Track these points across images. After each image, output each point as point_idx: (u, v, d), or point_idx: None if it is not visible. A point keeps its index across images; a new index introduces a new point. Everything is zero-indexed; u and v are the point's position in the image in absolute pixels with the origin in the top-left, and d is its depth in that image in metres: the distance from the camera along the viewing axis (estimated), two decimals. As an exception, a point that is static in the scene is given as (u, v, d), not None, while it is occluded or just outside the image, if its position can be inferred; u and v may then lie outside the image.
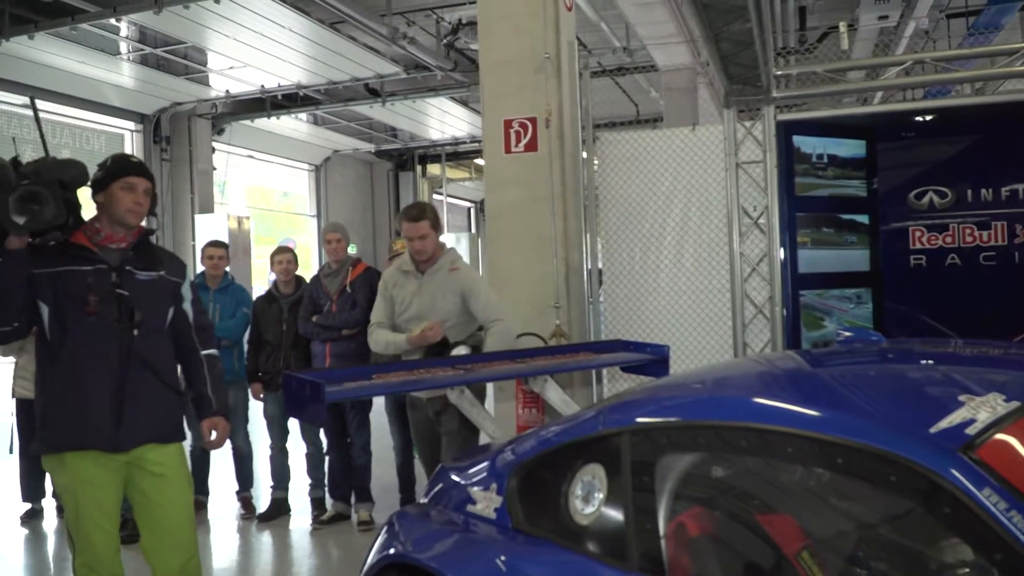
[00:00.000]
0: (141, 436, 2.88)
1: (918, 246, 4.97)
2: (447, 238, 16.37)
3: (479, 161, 17.60)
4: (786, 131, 4.71)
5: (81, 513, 2.84)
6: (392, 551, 2.62)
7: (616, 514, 2.20)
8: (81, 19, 8.39)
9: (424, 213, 3.95)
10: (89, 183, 2.89)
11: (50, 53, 9.21)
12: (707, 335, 4.93)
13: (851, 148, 4.94)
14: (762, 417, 2.05)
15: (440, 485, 2.91)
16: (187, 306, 3.08)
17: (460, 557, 2.43)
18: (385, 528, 2.80)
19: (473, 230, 20.21)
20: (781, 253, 4.76)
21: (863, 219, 5.02)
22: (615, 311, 5.19)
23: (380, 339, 4.04)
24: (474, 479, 2.72)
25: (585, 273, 4.98)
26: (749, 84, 4.38)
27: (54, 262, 2.77)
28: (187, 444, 3.18)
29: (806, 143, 4.79)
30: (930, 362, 2.47)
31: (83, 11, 8.41)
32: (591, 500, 2.29)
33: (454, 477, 2.86)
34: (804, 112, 4.88)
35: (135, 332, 2.84)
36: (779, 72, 4.36)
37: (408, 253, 4.07)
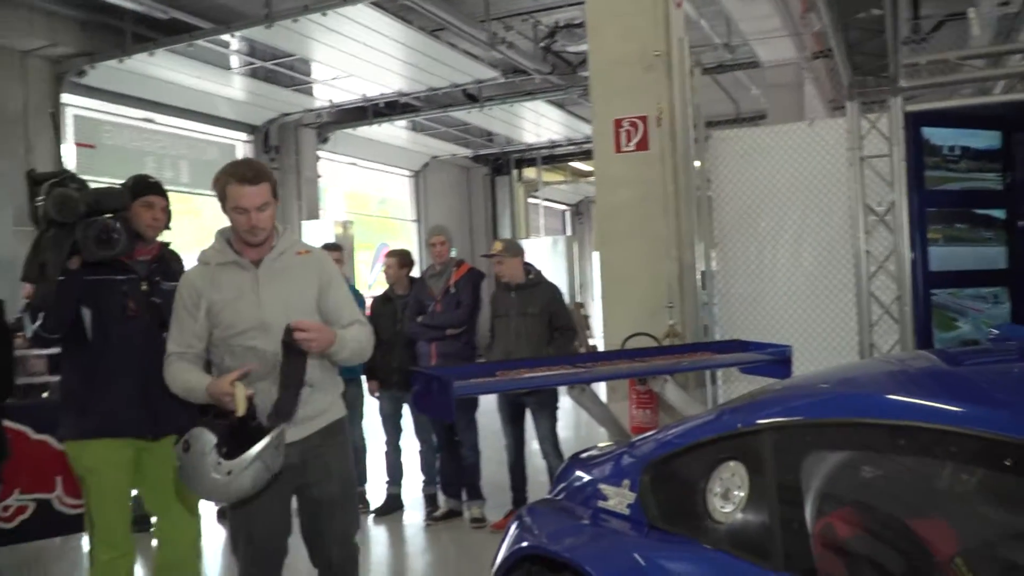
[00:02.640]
0: (170, 427, 3.16)
1: (1059, 242, 4.72)
2: (543, 241, 16.44)
3: (575, 164, 17.58)
4: (914, 123, 4.54)
5: (104, 493, 3.14)
6: (526, 544, 2.65)
7: (759, 512, 2.17)
8: (198, 35, 8.81)
9: (263, 174, 2.74)
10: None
11: (168, 69, 9.69)
12: (829, 336, 4.80)
13: (985, 139, 4.71)
14: (915, 414, 1.99)
15: (568, 481, 2.93)
16: None
17: (597, 550, 2.45)
18: (515, 522, 2.84)
19: (569, 232, 20.20)
20: (910, 250, 4.59)
21: (999, 214, 4.78)
22: (729, 311, 5.11)
23: (179, 378, 2.75)
24: (605, 475, 2.73)
25: (698, 273, 4.92)
26: (873, 75, 4.25)
27: (92, 271, 3.08)
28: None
29: (936, 135, 4.60)
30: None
31: (199, 28, 8.83)
32: (730, 497, 2.27)
33: (583, 473, 2.87)
34: (933, 103, 4.69)
35: (164, 335, 3.09)
36: (907, 61, 4.21)
37: (223, 237, 2.85)
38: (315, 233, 11.49)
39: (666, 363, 3.91)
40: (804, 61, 9.28)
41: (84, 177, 3.20)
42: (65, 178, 3.05)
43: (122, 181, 3.31)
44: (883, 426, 2.02)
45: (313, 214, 12.61)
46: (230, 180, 2.70)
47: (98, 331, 3.13)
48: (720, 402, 4.91)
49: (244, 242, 2.79)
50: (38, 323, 3.00)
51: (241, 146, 12.09)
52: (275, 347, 2.67)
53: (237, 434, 2.51)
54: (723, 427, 2.37)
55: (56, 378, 5.35)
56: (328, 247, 5.99)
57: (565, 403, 5.71)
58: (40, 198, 3.01)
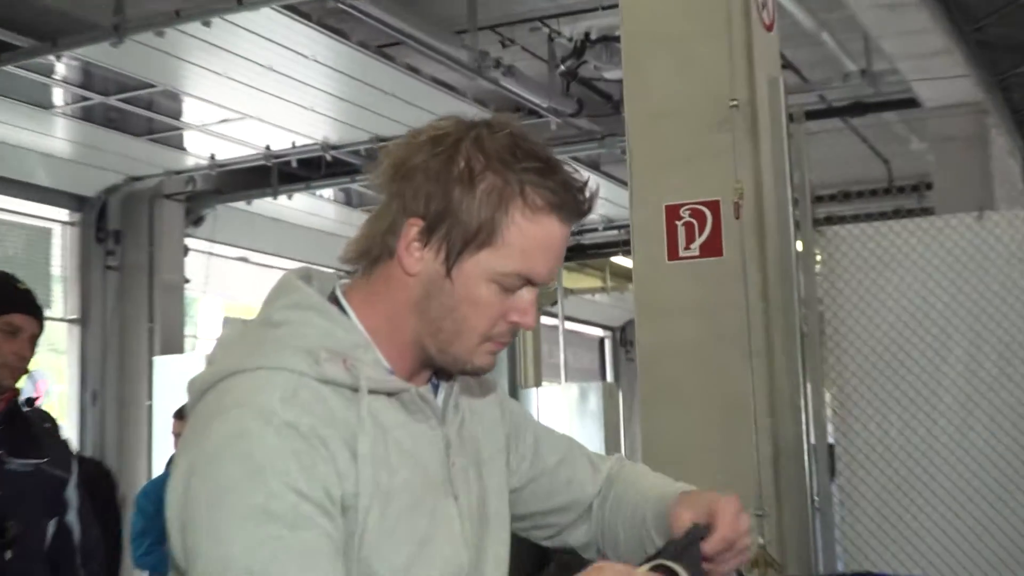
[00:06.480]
0: None
1: None
2: (566, 392, 16.63)
3: (618, 260, 17.73)
4: None
5: None
6: None
7: None
8: (5, 59, 8.92)
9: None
10: None
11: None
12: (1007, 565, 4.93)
13: None
14: None
15: None
16: (72, 517, 3.35)
17: None
18: None
19: (609, 377, 20.26)
20: None
21: None
22: (859, 520, 5.25)
23: None
24: None
25: (806, 455, 5.03)
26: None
27: None
28: None
29: None
30: None
31: (14, 46, 8.88)
32: None
33: None
34: None
35: (6, 555, 3.05)
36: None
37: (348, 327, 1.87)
38: (174, 377, 11.45)
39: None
40: (988, 103, 9.38)
41: None
42: None
43: None
44: None
45: (173, 345, 12.70)
46: (535, 203, 1.80)
47: None
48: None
49: (437, 352, 1.88)
50: None
51: (59, 230, 12.27)
52: None
53: None
54: None
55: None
56: (178, 417, 6.23)
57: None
58: None
